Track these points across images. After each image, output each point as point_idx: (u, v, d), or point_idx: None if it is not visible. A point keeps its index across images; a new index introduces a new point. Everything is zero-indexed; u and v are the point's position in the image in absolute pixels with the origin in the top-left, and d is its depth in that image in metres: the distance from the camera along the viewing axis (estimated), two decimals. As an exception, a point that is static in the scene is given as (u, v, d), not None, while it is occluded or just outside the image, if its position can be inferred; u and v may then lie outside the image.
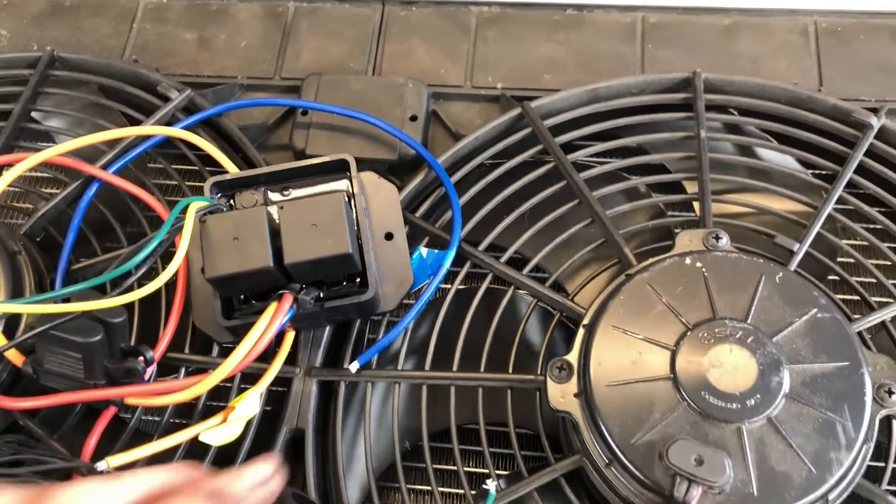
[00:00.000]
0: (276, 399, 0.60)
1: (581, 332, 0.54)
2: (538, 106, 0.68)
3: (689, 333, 0.51)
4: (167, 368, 0.59)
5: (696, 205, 0.64)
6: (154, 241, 0.50)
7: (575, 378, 0.53)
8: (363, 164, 0.60)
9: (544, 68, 0.74)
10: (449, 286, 0.62)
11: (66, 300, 0.51)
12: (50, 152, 0.62)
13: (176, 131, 0.65)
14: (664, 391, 0.50)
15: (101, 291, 0.51)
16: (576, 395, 0.52)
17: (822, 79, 0.71)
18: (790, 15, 0.74)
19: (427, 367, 0.58)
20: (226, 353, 0.59)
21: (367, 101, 0.71)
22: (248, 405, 0.55)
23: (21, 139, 0.70)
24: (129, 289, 0.50)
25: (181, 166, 0.71)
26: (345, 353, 0.61)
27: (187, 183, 0.69)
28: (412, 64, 0.75)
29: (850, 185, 0.62)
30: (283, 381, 0.59)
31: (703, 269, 0.54)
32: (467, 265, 0.62)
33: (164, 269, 0.51)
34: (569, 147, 0.66)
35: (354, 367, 0.58)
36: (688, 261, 0.54)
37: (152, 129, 0.66)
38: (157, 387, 0.54)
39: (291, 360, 0.60)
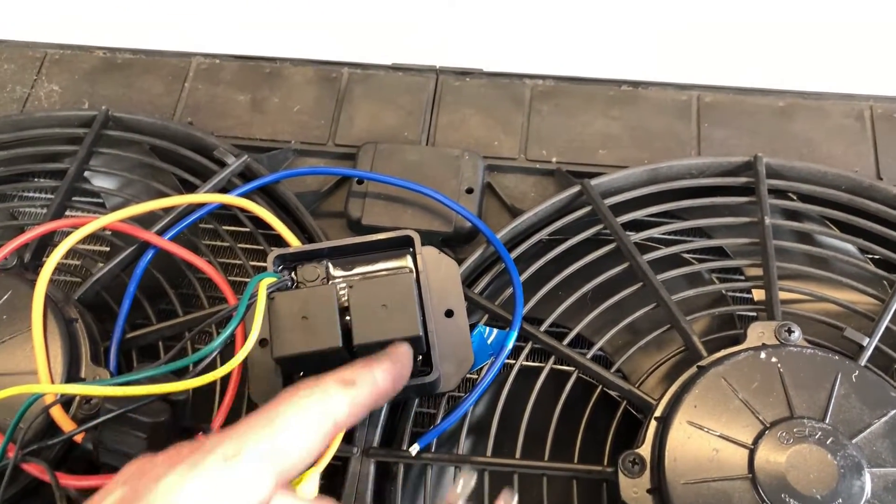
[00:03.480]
0: (328, 475, 0.59)
1: (653, 424, 0.53)
2: (598, 184, 0.68)
3: (767, 432, 0.50)
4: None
5: (755, 292, 0.64)
6: (232, 325, 0.49)
7: (648, 473, 0.52)
8: (419, 235, 0.59)
9: (599, 143, 0.74)
10: (512, 361, 0.61)
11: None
12: (108, 219, 0.61)
13: (235, 199, 0.65)
14: (743, 491, 0.49)
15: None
16: (649, 491, 0.51)
17: (879, 165, 0.71)
18: (846, 99, 0.74)
19: (489, 452, 0.57)
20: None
21: (424, 171, 0.70)
22: (309, 486, 0.54)
23: (73, 200, 0.69)
24: (204, 370, 0.49)
25: (232, 227, 0.70)
26: (402, 432, 0.59)
27: (240, 245, 0.68)
28: (466, 135, 0.75)
29: (916, 276, 0.62)
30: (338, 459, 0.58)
31: (779, 365, 0.53)
32: (529, 345, 0.61)
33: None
34: (628, 226, 0.66)
35: (415, 449, 0.57)
36: (762, 355, 0.53)
37: (211, 196, 0.65)
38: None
39: (348, 438, 0.59)
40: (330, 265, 0.59)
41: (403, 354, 0.49)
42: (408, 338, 0.53)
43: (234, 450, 0.37)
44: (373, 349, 0.54)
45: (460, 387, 0.60)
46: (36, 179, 0.76)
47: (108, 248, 0.71)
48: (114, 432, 0.50)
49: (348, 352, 0.54)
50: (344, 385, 0.42)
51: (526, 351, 0.61)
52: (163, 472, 0.36)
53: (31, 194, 0.76)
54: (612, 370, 0.60)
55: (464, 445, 0.58)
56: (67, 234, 0.61)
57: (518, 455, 0.56)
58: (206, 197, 0.65)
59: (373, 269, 0.59)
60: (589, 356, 0.60)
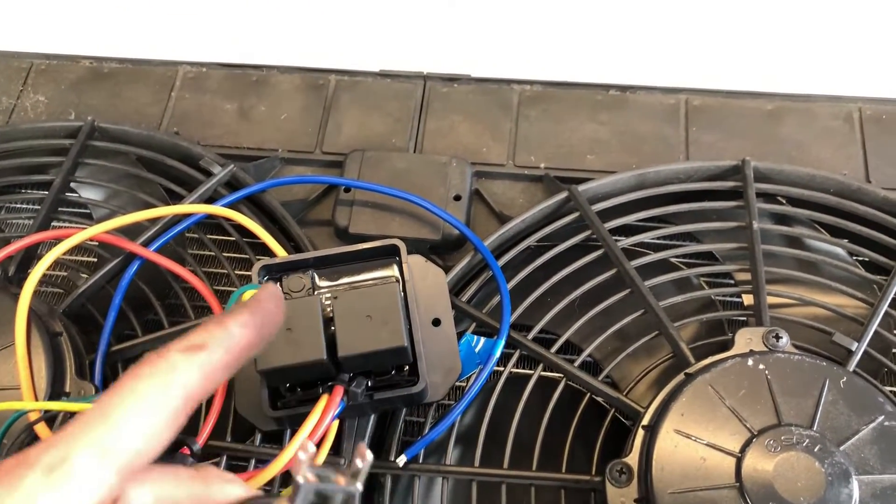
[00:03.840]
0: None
1: (641, 433, 0.53)
2: (585, 189, 0.67)
3: (754, 440, 0.50)
4: (206, 456, 0.58)
5: (745, 296, 0.64)
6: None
7: (635, 482, 0.51)
8: (406, 243, 0.59)
9: (587, 149, 0.73)
10: (501, 368, 0.61)
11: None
12: (93, 231, 0.61)
13: (220, 209, 0.64)
14: (730, 500, 0.49)
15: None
16: (636, 501, 0.51)
17: (868, 167, 0.70)
18: (834, 101, 0.74)
19: (476, 462, 0.56)
20: (268, 440, 0.58)
21: (411, 179, 0.70)
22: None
23: (59, 212, 0.69)
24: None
25: (218, 236, 0.70)
26: (389, 442, 0.59)
27: (225, 254, 0.68)
28: (454, 141, 0.75)
29: (905, 279, 0.61)
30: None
31: (767, 372, 0.53)
32: (517, 352, 0.61)
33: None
34: (616, 231, 0.66)
35: (402, 460, 0.56)
36: (750, 362, 0.53)
37: (197, 207, 0.65)
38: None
39: (336, 449, 0.58)
40: (315, 275, 0.59)
41: (265, 299, 0.43)
42: (393, 348, 0.53)
43: (60, 457, 0.32)
44: (358, 361, 0.54)
45: (449, 394, 0.60)
46: (23, 191, 0.75)
47: (94, 259, 0.71)
48: (97, 448, 0.49)
49: (333, 364, 0.54)
50: (191, 352, 0.37)
51: (514, 358, 0.61)
52: None
53: (18, 205, 0.76)
54: (601, 376, 0.59)
55: (451, 455, 0.58)
56: (54, 245, 0.61)
57: (506, 465, 0.56)
58: (191, 207, 0.65)
59: (359, 278, 0.59)
60: (577, 363, 0.60)
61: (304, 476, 0.32)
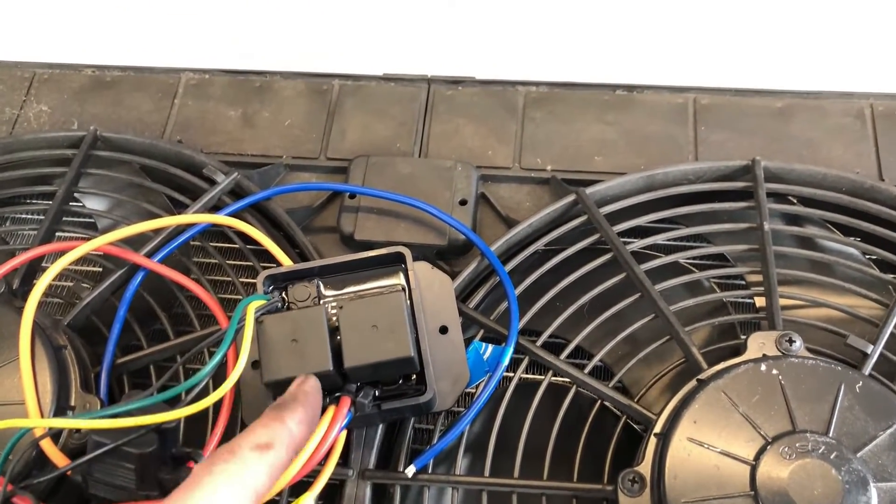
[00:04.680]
0: (325, 497, 0.58)
1: (653, 441, 0.52)
2: (593, 192, 0.66)
3: (768, 447, 0.49)
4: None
5: (757, 299, 0.63)
6: (220, 352, 0.48)
7: (648, 491, 0.51)
8: (412, 249, 0.58)
9: (594, 150, 0.72)
10: (510, 374, 0.60)
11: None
12: (96, 243, 0.60)
13: (225, 219, 0.64)
14: (745, 509, 0.48)
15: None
16: (649, 511, 0.50)
17: (881, 165, 0.69)
18: (845, 98, 0.73)
19: (486, 471, 0.56)
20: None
21: (416, 184, 0.69)
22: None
23: (62, 223, 0.68)
24: (196, 397, 0.48)
25: (221, 244, 0.69)
26: (398, 452, 0.58)
27: (229, 262, 0.67)
28: (459, 145, 0.74)
29: (920, 280, 0.60)
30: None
31: (780, 377, 0.52)
32: (527, 358, 0.60)
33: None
34: (625, 233, 0.65)
35: (411, 471, 0.56)
36: (763, 367, 0.52)
37: (201, 217, 0.64)
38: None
39: (344, 459, 0.58)
40: (321, 284, 0.59)
41: (312, 393, 0.46)
42: (400, 359, 0.52)
43: None
44: (365, 372, 0.53)
45: (458, 401, 0.59)
46: (26, 202, 0.75)
47: (99, 269, 0.70)
48: (102, 464, 0.49)
49: (340, 374, 0.53)
50: (260, 451, 0.39)
51: (524, 364, 0.60)
52: None
53: (24, 216, 0.75)
54: (612, 383, 0.58)
55: (461, 465, 0.57)
56: (58, 256, 0.60)
57: (516, 474, 0.55)
58: (195, 217, 0.64)
59: (364, 287, 0.59)
60: (587, 370, 0.59)
61: None
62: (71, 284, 0.70)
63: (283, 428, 0.41)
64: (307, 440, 0.43)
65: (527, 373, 0.62)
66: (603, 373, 0.64)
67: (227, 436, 0.57)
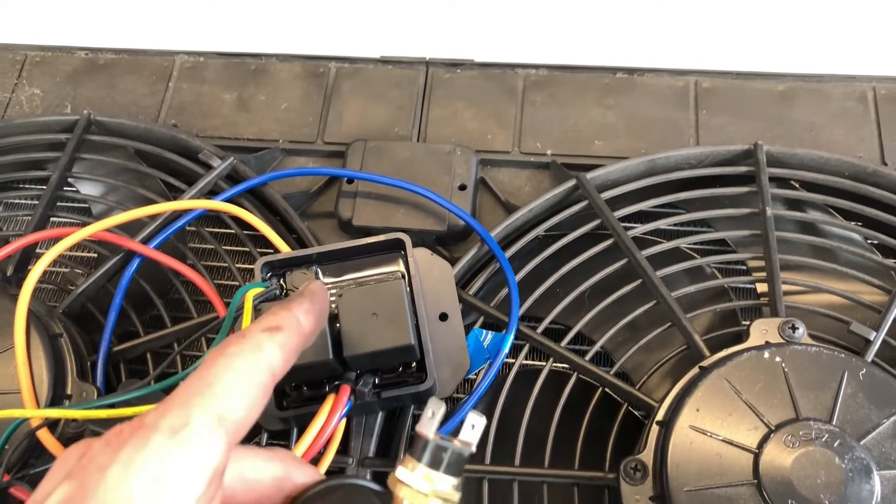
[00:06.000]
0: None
1: (655, 429, 0.52)
2: (593, 177, 0.66)
3: (772, 435, 0.49)
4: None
5: (759, 285, 0.62)
6: (218, 341, 0.47)
7: (650, 480, 0.50)
8: (411, 235, 0.58)
9: (595, 134, 0.72)
10: (511, 360, 0.60)
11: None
12: (92, 229, 0.60)
13: (221, 205, 0.63)
14: (748, 497, 0.47)
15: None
16: (651, 499, 0.50)
17: (884, 149, 0.68)
18: (847, 81, 0.72)
19: (487, 460, 0.55)
20: (273, 438, 0.57)
21: (415, 169, 0.69)
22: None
23: (56, 208, 0.68)
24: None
25: (217, 229, 0.69)
26: (398, 440, 0.58)
27: (225, 247, 0.67)
28: (458, 128, 0.73)
29: (923, 265, 0.60)
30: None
31: (783, 364, 0.51)
32: (526, 347, 0.60)
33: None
34: (626, 219, 0.64)
35: (411, 459, 0.55)
36: (766, 355, 0.52)
37: (196, 202, 0.63)
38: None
39: (344, 447, 0.57)
40: (319, 271, 0.58)
41: (318, 292, 0.45)
42: (400, 347, 0.52)
43: (182, 422, 0.33)
44: (364, 360, 0.52)
45: (459, 388, 0.59)
46: (21, 186, 0.74)
47: (94, 255, 0.70)
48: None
49: (339, 362, 0.52)
50: (271, 332, 0.39)
51: (525, 351, 0.60)
52: (108, 460, 0.32)
53: (17, 201, 0.74)
54: (614, 370, 0.58)
55: (462, 452, 0.56)
56: (52, 242, 0.60)
57: (517, 462, 0.55)
58: (191, 203, 0.63)
59: (363, 274, 0.58)
60: (588, 356, 0.58)
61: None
62: (65, 271, 0.69)
63: (291, 315, 0.41)
64: (314, 334, 0.43)
65: (527, 360, 0.61)
66: (604, 360, 0.63)
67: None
